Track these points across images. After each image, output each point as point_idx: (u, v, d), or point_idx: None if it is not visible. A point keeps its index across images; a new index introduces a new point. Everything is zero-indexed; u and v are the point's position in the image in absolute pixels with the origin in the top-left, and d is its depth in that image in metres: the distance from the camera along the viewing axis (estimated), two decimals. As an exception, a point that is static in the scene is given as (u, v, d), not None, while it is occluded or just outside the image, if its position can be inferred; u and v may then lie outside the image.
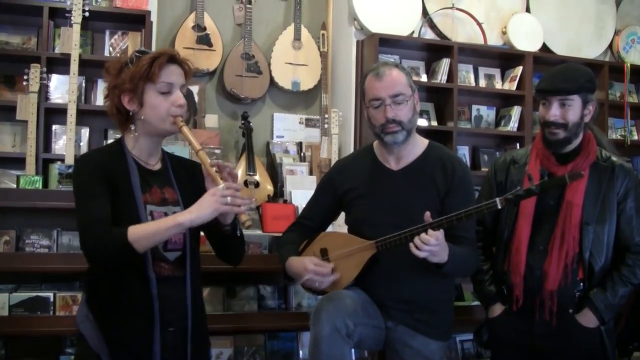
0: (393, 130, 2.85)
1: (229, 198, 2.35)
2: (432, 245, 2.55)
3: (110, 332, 2.37)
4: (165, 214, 2.49)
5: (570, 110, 2.87)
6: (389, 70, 2.87)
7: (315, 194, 3.16)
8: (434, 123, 5.41)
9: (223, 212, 2.39)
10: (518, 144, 5.46)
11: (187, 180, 2.64)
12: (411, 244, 2.58)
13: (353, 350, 3.20)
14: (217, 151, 4.76)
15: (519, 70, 5.54)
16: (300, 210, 4.06)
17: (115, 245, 2.29)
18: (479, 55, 5.64)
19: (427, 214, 2.62)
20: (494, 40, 5.63)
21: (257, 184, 4.75)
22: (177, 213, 2.41)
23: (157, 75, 2.43)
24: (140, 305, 2.37)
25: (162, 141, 2.61)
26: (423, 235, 2.57)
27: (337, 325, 2.58)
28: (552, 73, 2.97)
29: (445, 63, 5.34)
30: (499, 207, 2.59)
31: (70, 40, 4.38)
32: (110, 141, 4.60)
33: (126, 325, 2.37)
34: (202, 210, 2.34)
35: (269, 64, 5.30)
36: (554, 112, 2.87)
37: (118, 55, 4.75)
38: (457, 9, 5.47)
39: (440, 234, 2.57)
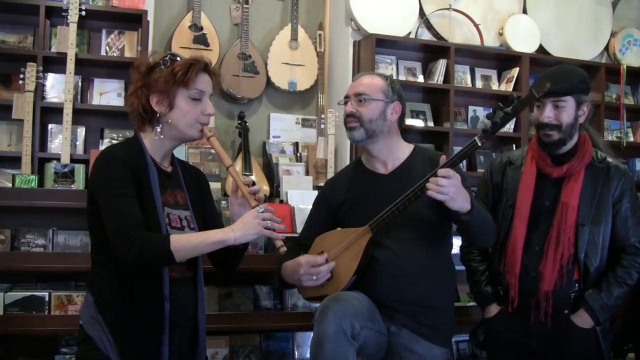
0: (351, 126, 2.92)
1: (268, 222, 2.41)
2: (443, 185, 2.53)
3: (121, 334, 2.35)
4: (179, 217, 2.50)
5: (563, 112, 2.88)
6: (364, 75, 3.02)
7: (311, 212, 3.18)
8: (430, 124, 5.41)
9: (263, 235, 2.43)
10: (514, 145, 5.46)
11: (193, 185, 2.66)
12: (428, 191, 2.56)
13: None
14: (213, 151, 4.74)
15: (515, 71, 5.55)
16: (296, 211, 4.08)
17: (156, 252, 2.29)
18: (476, 56, 5.64)
19: (443, 157, 2.65)
20: (491, 41, 5.64)
21: (253, 184, 4.74)
22: (220, 230, 2.43)
23: (193, 81, 2.45)
24: (151, 307, 2.37)
25: (178, 146, 2.63)
26: (432, 178, 2.57)
27: (344, 326, 2.56)
28: (546, 75, 2.97)
29: (441, 64, 5.35)
30: (479, 144, 2.60)
31: (66, 39, 4.38)
32: (106, 140, 4.61)
33: (137, 327, 2.37)
34: (246, 230, 2.39)
35: (266, 64, 5.30)
36: (548, 113, 2.88)
37: (115, 54, 4.75)
38: (454, 10, 5.47)
39: (452, 172, 2.56)
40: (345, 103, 2.97)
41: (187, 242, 2.34)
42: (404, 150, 3.01)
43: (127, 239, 2.27)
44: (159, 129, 2.48)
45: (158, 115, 2.47)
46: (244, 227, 2.39)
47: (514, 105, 2.58)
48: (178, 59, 2.50)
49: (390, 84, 2.97)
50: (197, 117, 2.49)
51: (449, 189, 2.54)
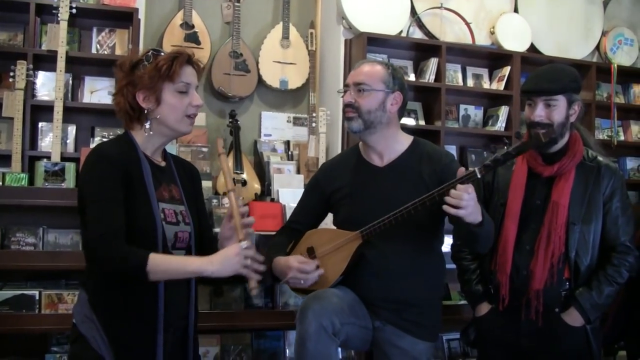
0: (349, 116, 2.89)
1: (249, 260, 2.37)
2: (465, 199, 2.49)
3: (115, 333, 2.34)
4: (174, 212, 2.49)
5: (555, 111, 2.88)
6: (366, 63, 2.95)
7: (303, 197, 3.17)
8: (422, 122, 5.42)
9: (241, 273, 2.40)
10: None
11: (187, 180, 2.64)
12: (445, 206, 2.53)
13: (339, 349, 3.21)
14: (205, 149, 4.75)
15: (506, 70, 5.56)
16: (287, 209, 4.08)
17: (132, 266, 2.27)
18: (467, 55, 5.65)
19: (462, 168, 2.60)
20: (482, 40, 5.64)
21: (244, 183, 4.74)
22: (200, 259, 2.37)
23: (178, 74, 2.43)
24: (146, 306, 2.36)
25: (169, 141, 2.62)
26: (453, 191, 2.53)
27: (324, 324, 2.58)
28: (537, 73, 2.98)
29: (433, 62, 5.35)
30: (479, 175, 2.57)
31: (57, 37, 4.36)
32: (97, 139, 4.60)
33: (132, 327, 2.36)
34: (224, 267, 2.35)
35: (257, 63, 5.29)
36: (539, 112, 2.88)
37: (106, 52, 4.74)
38: (446, 8, 5.47)
39: (470, 187, 2.52)
40: (345, 92, 2.94)
41: (164, 265, 2.30)
42: (402, 142, 2.98)
43: (108, 248, 2.26)
44: (147, 126, 2.47)
45: (146, 111, 2.45)
46: (223, 262, 2.36)
47: (518, 146, 2.61)
48: (161, 54, 2.48)
49: (392, 72, 2.92)
50: (185, 109, 2.47)
51: (471, 202, 2.52)
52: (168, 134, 2.53)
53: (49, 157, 4.25)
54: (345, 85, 2.95)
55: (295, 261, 2.84)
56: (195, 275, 2.37)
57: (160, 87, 2.42)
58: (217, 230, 3.77)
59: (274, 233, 3.23)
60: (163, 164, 2.57)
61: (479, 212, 2.59)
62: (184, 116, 2.48)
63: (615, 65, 5.90)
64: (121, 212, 2.32)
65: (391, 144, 2.95)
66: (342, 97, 2.95)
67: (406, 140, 2.99)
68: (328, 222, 3.18)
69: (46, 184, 3.96)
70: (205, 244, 2.61)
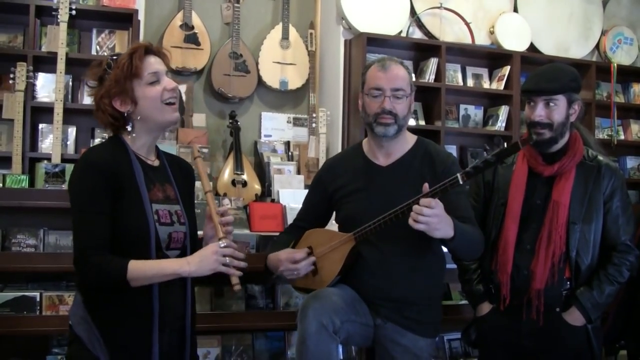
0: (386, 122, 2.85)
1: (228, 259, 2.37)
2: (426, 215, 2.49)
3: (110, 334, 2.34)
4: (169, 212, 2.48)
5: (555, 110, 2.88)
6: (394, 65, 2.91)
7: (307, 194, 3.18)
8: (422, 122, 5.43)
9: (220, 271, 2.39)
10: (505, 144, 5.47)
11: (181, 179, 2.63)
12: (410, 220, 2.53)
13: (340, 347, 3.22)
14: (205, 150, 4.75)
15: (506, 70, 5.57)
16: (287, 210, 4.08)
17: (113, 278, 2.28)
18: (467, 54, 5.66)
19: (425, 185, 2.59)
20: (482, 40, 5.65)
21: (244, 183, 4.74)
22: (177, 261, 2.37)
23: (141, 67, 2.41)
24: (140, 306, 2.35)
25: (159, 136, 2.60)
26: (415, 205, 2.52)
27: (324, 322, 2.59)
28: (537, 73, 2.97)
29: (433, 62, 5.36)
30: (461, 182, 2.55)
31: (57, 39, 4.37)
32: (97, 140, 4.60)
33: (127, 327, 2.35)
34: (201, 266, 2.34)
35: (257, 63, 5.30)
36: (539, 112, 2.88)
37: (105, 54, 4.74)
38: (445, 8, 5.48)
39: (434, 202, 2.51)
40: (377, 96, 2.88)
41: (143, 272, 2.30)
42: (408, 141, 2.99)
43: (86, 262, 2.28)
44: (129, 129, 2.46)
45: (126, 114, 2.43)
46: (200, 261, 2.36)
47: (498, 152, 2.60)
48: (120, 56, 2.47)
49: (408, 71, 2.95)
50: (161, 96, 2.44)
51: (431, 219, 2.50)
52: (154, 128, 2.51)
53: (49, 159, 4.25)
54: (378, 89, 2.87)
55: (284, 254, 2.85)
56: (174, 277, 2.35)
57: (130, 87, 2.40)
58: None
59: (274, 233, 3.23)
60: (156, 163, 2.56)
61: (449, 228, 2.57)
62: (162, 104, 2.45)
63: (615, 65, 5.91)
64: (104, 223, 2.32)
65: (400, 144, 2.95)
66: (377, 102, 2.87)
67: (411, 140, 3.00)
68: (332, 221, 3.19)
69: (47, 186, 3.95)
70: (193, 244, 2.60)
